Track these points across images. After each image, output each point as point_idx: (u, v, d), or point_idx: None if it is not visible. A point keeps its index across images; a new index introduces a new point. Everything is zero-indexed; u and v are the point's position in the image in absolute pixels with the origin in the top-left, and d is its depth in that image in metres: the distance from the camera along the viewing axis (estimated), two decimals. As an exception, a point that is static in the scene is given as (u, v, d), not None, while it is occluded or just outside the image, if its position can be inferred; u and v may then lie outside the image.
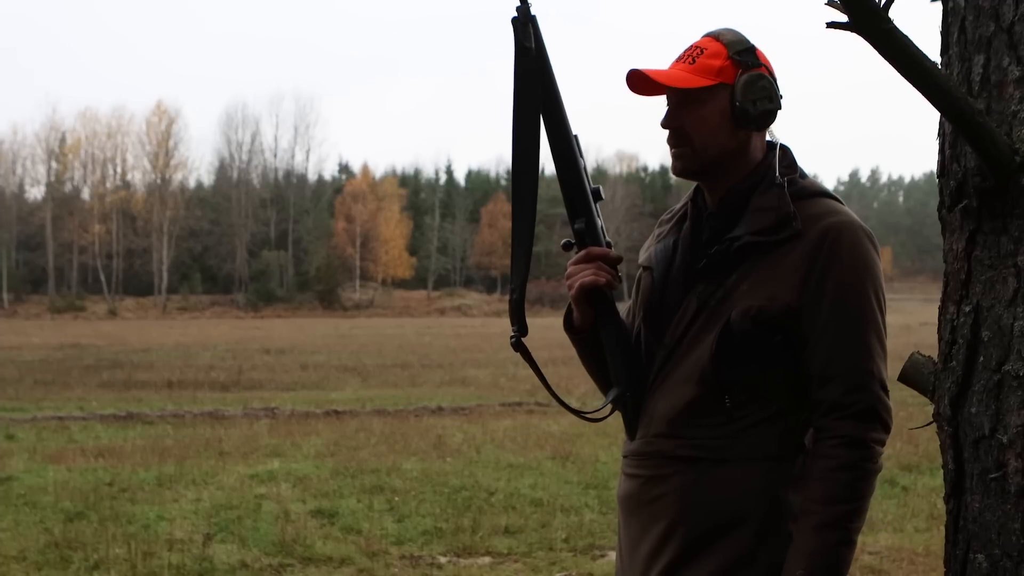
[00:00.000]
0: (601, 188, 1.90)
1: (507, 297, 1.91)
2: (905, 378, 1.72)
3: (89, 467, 8.42)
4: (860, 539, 1.78)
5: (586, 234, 1.88)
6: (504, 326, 2.00)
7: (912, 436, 8.82)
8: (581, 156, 1.87)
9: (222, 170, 75.49)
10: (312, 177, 78.13)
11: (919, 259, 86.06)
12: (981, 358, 1.52)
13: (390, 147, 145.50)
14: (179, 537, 6.03)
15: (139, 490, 7.45)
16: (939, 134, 1.62)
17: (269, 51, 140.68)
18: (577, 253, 1.90)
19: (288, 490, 7.46)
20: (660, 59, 1.91)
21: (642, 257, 2.01)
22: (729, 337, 1.79)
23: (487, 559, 5.78)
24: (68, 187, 72.57)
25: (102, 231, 69.15)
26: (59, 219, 67.78)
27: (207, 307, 65.09)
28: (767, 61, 1.85)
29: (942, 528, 1.65)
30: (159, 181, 71.38)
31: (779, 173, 1.84)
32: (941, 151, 1.62)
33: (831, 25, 1.38)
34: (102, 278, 67.62)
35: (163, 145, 71.78)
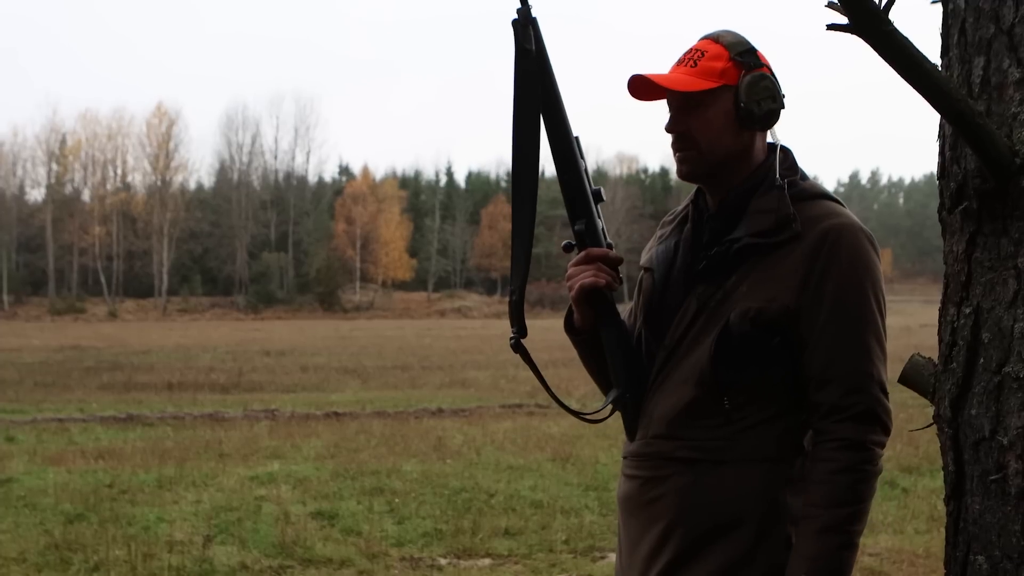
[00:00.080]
0: (602, 189, 1.90)
1: (507, 299, 1.92)
2: (905, 380, 1.72)
3: (89, 469, 8.42)
4: (860, 541, 1.77)
5: (586, 235, 1.88)
6: (504, 328, 2.00)
7: (912, 438, 8.82)
8: (582, 157, 1.87)
9: (222, 172, 75.59)
10: (312, 179, 78.30)
11: (919, 261, 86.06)
12: (981, 360, 1.52)
13: (390, 149, 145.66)
14: (179, 539, 6.03)
15: (139, 492, 7.45)
16: (939, 136, 1.62)
17: (269, 52, 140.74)
18: (578, 255, 1.90)
19: (288, 492, 7.45)
20: (660, 60, 1.92)
21: (644, 258, 2.01)
22: (728, 339, 1.79)
23: (487, 561, 5.78)
24: (68, 189, 72.63)
25: (102, 233, 69.17)
26: (59, 221, 67.81)
27: (207, 309, 65.09)
28: (767, 61, 1.85)
29: (942, 530, 1.65)
30: (159, 183, 71.43)
31: (779, 175, 1.84)
32: (941, 153, 1.62)
33: (831, 27, 1.38)
34: (102, 280, 67.64)
35: (163, 147, 71.85)
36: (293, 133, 79.94)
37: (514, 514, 6.76)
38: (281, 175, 76.73)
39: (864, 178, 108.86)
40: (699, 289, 1.85)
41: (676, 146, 1.87)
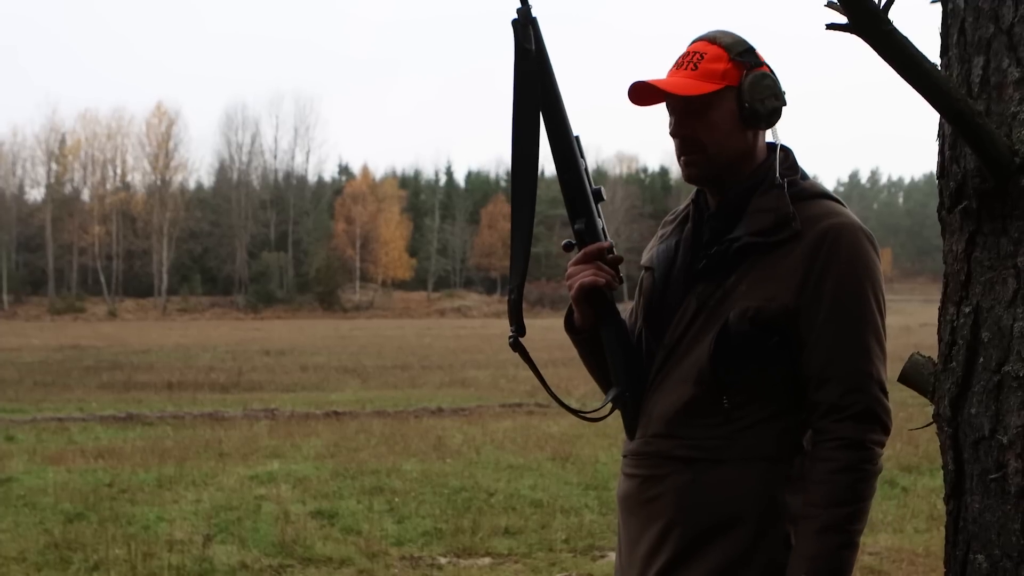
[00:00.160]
0: (602, 189, 1.90)
1: (507, 298, 1.92)
2: (905, 379, 1.72)
3: (89, 468, 8.42)
4: (860, 540, 1.77)
5: (586, 235, 1.88)
6: (504, 327, 2.01)
7: (912, 437, 8.82)
8: (582, 157, 1.87)
9: (222, 171, 75.56)
10: (312, 178, 78.28)
11: (919, 260, 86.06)
12: (981, 359, 1.52)
13: (390, 148, 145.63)
14: (179, 538, 6.03)
15: (139, 491, 7.45)
16: (939, 135, 1.62)
17: (269, 52, 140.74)
18: (577, 254, 1.90)
19: (288, 491, 7.46)
20: (661, 59, 1.92)
21: (644, 258, 2.01)
22: (727, 338, 1.79)
23: (487, 560, 5.78)
24: (68, 188, 72.61)
25: (102, 232, 69.16)
26: (59, 220, 67.79)
27: (207, 308, 65.08)
28: (764, 59, 1.85)
29: (942, 529, 1.65)
30: (159, 182, 71.42)
31: (779, 174, 1.84)
32: (941, 152, 1.62)
33: (831, 27, 1.38)
34: (102, 279, 67.63)
35: (163, 146, 71.83)
36: (293, 133, 79.96)
37: (514, 513, 6.76)
38: (281, 175, 76.78)
39: (864, 177, 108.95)
40: (699, 288, 1.85)
41: (682, 150, 1.86)
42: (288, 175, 76.73)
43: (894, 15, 1.35)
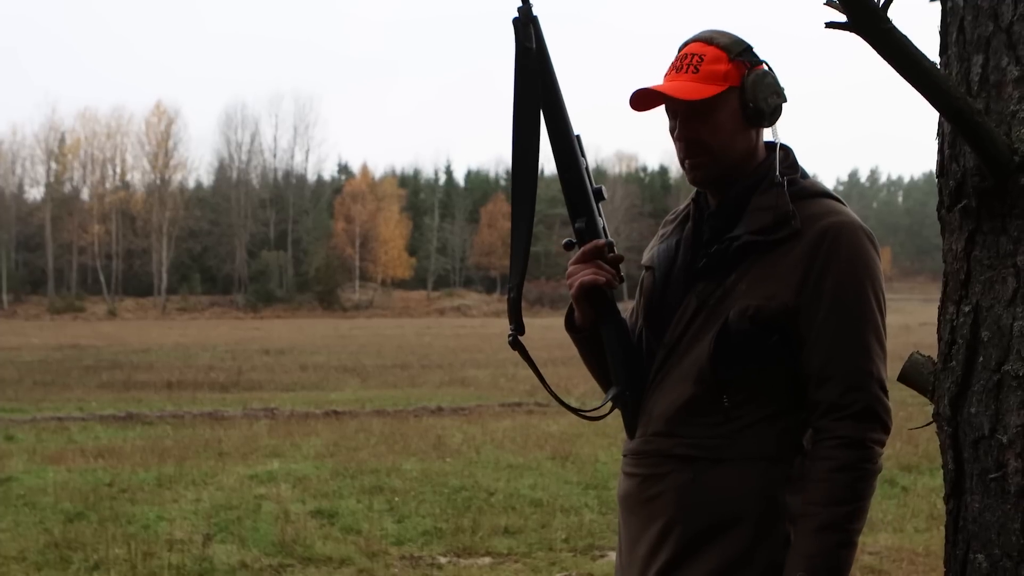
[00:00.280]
0: (603, 188, 1.90)
1: (506, 297, 1.92)
2: (905, 378, 1.72)
3: (89, 468, 8.42)
4: (860, 539, 1.77)
5: (587, 234, 1.88)
6: (503, 326, 2.01)
7: (912, 436, 8.82)
8: (583, 156, 1.87)
9: (221, 170, 75.52)
10: (311, 177, 78.23)
11: (918, 259, 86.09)
12: (980, 358, 1.52)
13: (389, 147, 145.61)
14: (179, 537, 6.03)
15: (139, 491, 7.45)
16: (938, 134, 1.62)
17: (269, 51, 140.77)
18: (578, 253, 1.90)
19: (288, 490, 7.45)
20: (661, 60, 1.91)
21: (645, 257, 2.02)
22: (727, 336, 1.79)
23: (487, 559, 5.78)
24: (67, 187, 72.58)
25: (101, 231, 69.14)
26: (58, 219, 67.77)
27: (206, 308, 65.07)
28: (762, 58, 1.86)
29: (942, 528, 1.65)
30: (158, 181, 71.39)
31: (779, 173, 1.84)
32: (940, 151, 1.62)
33: (830, 25, 1.38)
34: (101, 279, 67.62)
35: (162, 145, 71.81)
36: (292, 132, 79.95)
37: (514, 512, 6.76)
38: (280, 174, 76.72)
39: (863, 176, 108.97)
40: (699, 287, 1.85)
41: (687, 153, 1.85)
42: (288, 174, 76.75)
43: (893, 13, 1.35)
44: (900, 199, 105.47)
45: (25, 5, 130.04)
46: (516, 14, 1.78)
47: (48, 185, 71.06)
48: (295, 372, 19.88)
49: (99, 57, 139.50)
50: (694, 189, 1.97)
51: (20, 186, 71.46)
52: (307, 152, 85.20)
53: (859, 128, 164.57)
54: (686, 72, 1.82)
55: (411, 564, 5.64)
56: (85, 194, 72.51)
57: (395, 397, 14.84)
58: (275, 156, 76.58)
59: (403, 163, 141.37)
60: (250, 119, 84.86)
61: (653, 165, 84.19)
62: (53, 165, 71.51)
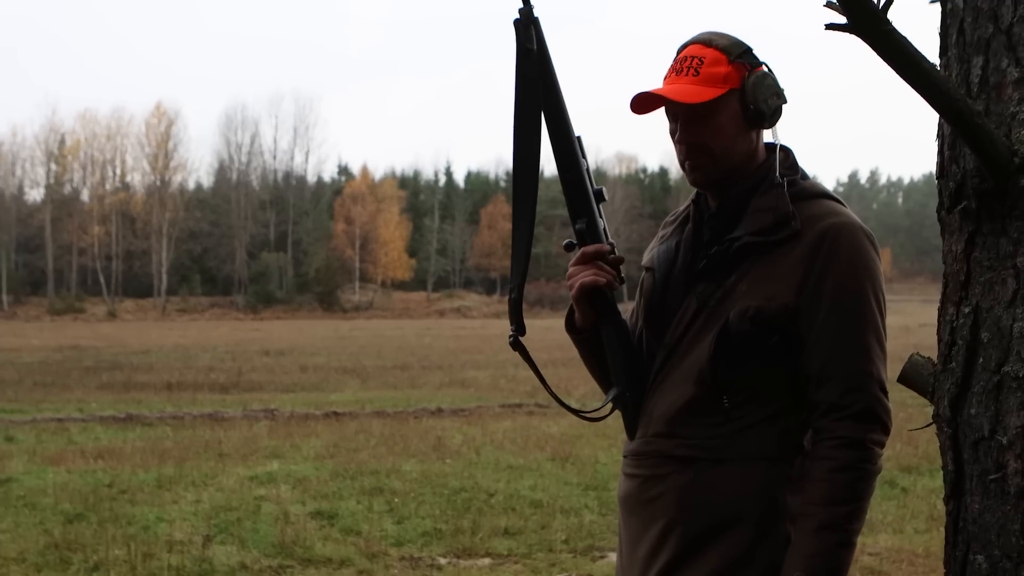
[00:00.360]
0: (604, 189, 1.90)
1: (507, 298, 1.92)
2: (905, 379, 1.72)
3: (89, 469, 8.42)
4: (860, 540, 1.77)
5: (588, 235, 1.88)
6: (503, 327, 2.01)
7: (912, 437, 8.82)
8: (584, 157, 1.87)
9: (221, 172, 75.57)
10: (311, 179, 78.30)
11: (918, 260, 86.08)
12: (980, 359, 1.52)
13: (389, 149, 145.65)
14: (179, 539, 6.03)
15: (139, 492, 7.45)
16: (938, 135, 1.62)
17: (269, 52, 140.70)
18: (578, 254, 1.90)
19: (288, 492, 7.45)
20: (662, 60, 1.91)
21: (645, 258, 2.02)
22: (727, 337, 1.79)
23: (487, 560, 5.78)
24: (67, 189, 72.60)
25: (101, 233, 69.15)
26: (58, 221, 67.78)
27: (206, 309, 65.08)
28: (761, 59, 1.86)
29: (942, 529, 1.65)
30: (158, 183, 71.40)
31: (779, 174, 1.84)
32: (940, 152, 1.62)
33: (830, 27, 1.38)
34: (101, 280, 67.62)
35: (162, 147, 71.83)
36: (292, 133, 80.00)
37: (514, 514, 6.76)
38: (280, 175, 76.77)
39: (863, 178, 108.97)
40: (699, 288, 1.85)
41: (687, 155, 1.85)
42: (287, 175, 76.78)
43: (893, 15, 1.35)
44: (900, 200, 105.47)
45: (25, 5, 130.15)
46: (517, 15, 1.78)
47: (48, 186, 71.10)
48: (295, 373, 19.88)
49: (99, 57, 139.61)
50: (694, 190, 1.97)
51: (20, 187, 71.54)
52: (307, 153, 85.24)
53: (859, 129, 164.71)
54: (686, 75, 1.81)
55: (411, 565, 5.64)
56: (85, 195, 72.61)
57: (395, 398, 14.84)
58: (275, 157, 76.73)
59: (403, 164, 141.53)
60: (250, 120, 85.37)
61: (653, 166, 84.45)
62: (53, 166, 71.57)
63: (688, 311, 1.85)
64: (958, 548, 1.58)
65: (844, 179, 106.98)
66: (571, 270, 1.90)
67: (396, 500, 7.19)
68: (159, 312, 63.24)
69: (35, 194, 72.34)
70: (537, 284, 57.81)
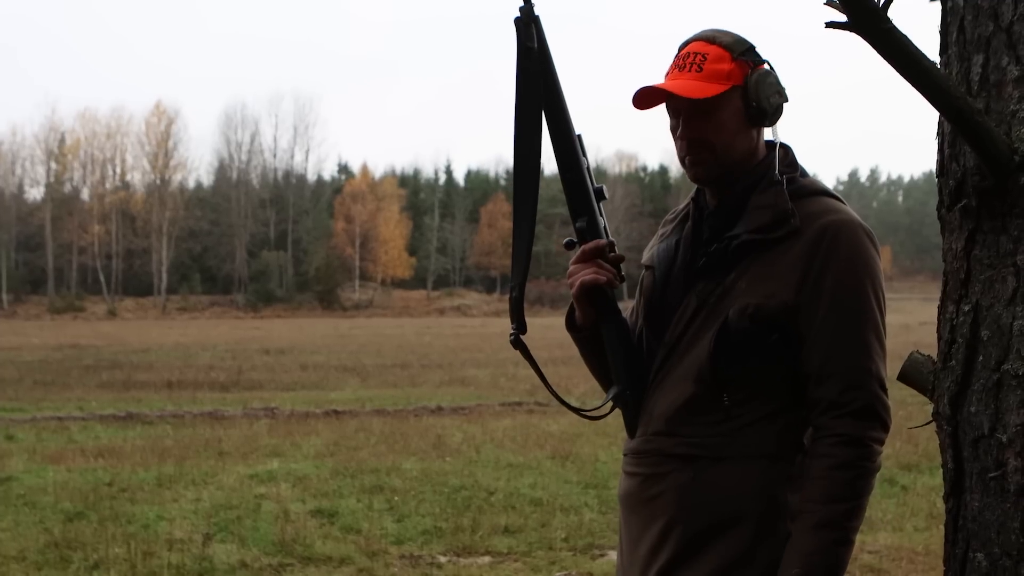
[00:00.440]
0: (604, 188, 1.90)
1: (507, 297, 1.92)
2: (904, 377, 1.72)
3: (89, 467, 8.42)
4: (859, 538, 1.78)
5: (588, 233, 1.88)
6: (504, 326, 2.01)
7: (911, 435, 8.82)
8: (584, 156, 1.87)
9: (221, 170, 75.54)
10: (311, 177, 78.26)
11: (918, 258, 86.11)
12: (980, 357, 1.53)
13: (389, 147, 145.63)
14: (179, 537, 6.04)
15: (139, 490, 7.45)
16: (938, 133, 1.62)
17: (269, 51, 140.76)
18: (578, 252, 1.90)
19: (288, 490, 7.46)
20: (662, 60, 1.91)
21: (645, 257, 2.02)
22: (727, 335, 1.79)
23: (487, 558, 5.78)
24: (67, 188, 72.59)
25: (101, 232, 69.14)
26: (58, 220, 67.77)
27: (206, 307, 65.07)
28: (763, 57, 1.86)
29: (941, 527, 1.65)
30: (158, 181, 71.39)
31: (779, 171, 1.84)
32: (940, 150, 1.62)
33: (830, 25, 1.38)
34: (101, 279, 67.60)
35: (162, 146, 71.82)
36: (292, 132, 79.95)
37: (514, 512, 6.76)
38: (280, 174, 76.73)
39: (863, 176, 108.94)
40: (699, 286, 1.85)
41: (688, 150, 1.85)
42: (288, 174, 76.75)
43: (893, 13, 1.35)
44: (900, 198, 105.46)
45: (25, 5, 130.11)
46: (518, 14, 1.78)
47: (48, 185, 71.09)
48: (295, 372, 19.88)
49: (99, 57, 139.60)
50: (694, 188, 1.97)
51: (20, 186, 71.53)
52: (307, 152, 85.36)
53: (859, 128, 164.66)
54: (689, 71, 1.81)
55: (411, 563, 5.64)
56: (85, 194, 72.60)
57: (395, 396, 14.84)
58: (275, 156, 76.69)
59: (403, 163, 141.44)
60: (250, 119, 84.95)
61: (653, 165, 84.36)
62: (53, 165, 71.56)
63: (688, 309, 1.85)
64: (958, 546, 1.58)
65: (844, 177, 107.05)
66: (571, 268, 1.90)
67: (396, 498, 7.19)
68: (159, 311, 63.24)
69: (35, 193, 72.46)
70: (537, 282, 57.79)
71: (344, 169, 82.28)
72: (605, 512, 6.73)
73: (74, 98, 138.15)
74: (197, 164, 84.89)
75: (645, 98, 1.83)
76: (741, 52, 1.82)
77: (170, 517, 6.59)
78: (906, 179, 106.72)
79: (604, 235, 1.90)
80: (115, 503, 6.98)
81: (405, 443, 9.83)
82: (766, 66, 1.84)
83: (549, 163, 1.88)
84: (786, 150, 1.89)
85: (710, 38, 1.84)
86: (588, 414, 2.01)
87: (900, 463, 8.20)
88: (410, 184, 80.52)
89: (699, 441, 1.82)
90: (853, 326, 1.77)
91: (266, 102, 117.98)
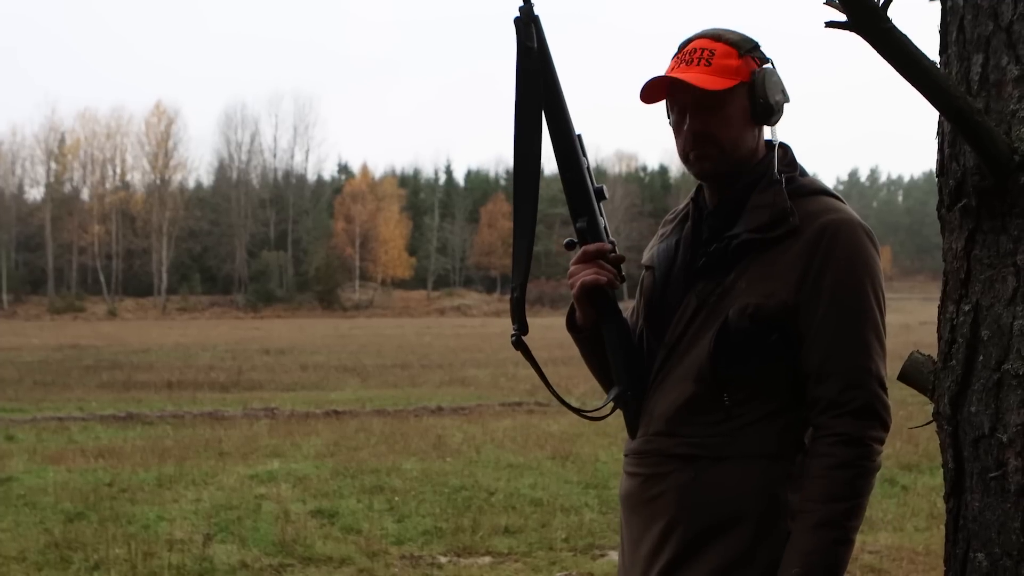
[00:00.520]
0: (604, 187, 1.90)
1: (507, 297, 1.92)
2: (905, 377, 1.72)
3: (89, 468, 8.42)
4: (860, 538, 1.78)
5: (588, 234, 1.88)
6: (504, 326, 2.01)
7: (912, 435, 8.82)
8: (584, 156, 1.87)
9: (221, 170, 75.56)
10: (311, 177, 78.30)
11: (918, 258, 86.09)
12: (981, 357, 1.52)
13: (389, 147, 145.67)
14: (179, 537, 6.04)
15: (139, 490, 7.45)
16: (938, 133, 1.62)
17: (268, 51, 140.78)
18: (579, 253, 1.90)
19: (288, 490, 7.46)
20: (662, 59, 1.91)
21: (645, 257, 2.02)
22: (727, 335, 1.79)
23: (487, 559, 5.78)
24: (67, 188, 72.60)
25: (101, 232, 69.15)
26: (58, 220, 67.78)
27: (206, 307, 65.07)
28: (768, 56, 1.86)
29: (942, 527, 1.65)
30: (158, 182, 71.42)
31: (778, 171, 1.84)
32: (940, 150, 1.62)
33: (830, 24, 1.38)
34: (101, 279, 67.61)
35: (162, 146, 71.85)
36: (292, 132, 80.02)
37: (514, 512, 6.76)
38: (280, 174, 76.75)
39: (863, 176, 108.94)
40: (699, 286, 1.85)
41: (694, 145, 1.85)
42: (287, 174, 76.78)
43: (893, 13, 1.35)
44: (900, 198, 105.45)
45: (25, 5, 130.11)
46: (518, 14, 1.78)
47: (48, 185, 71.10)
48: (295, 372, 19.88)
49: (99, 57, 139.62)
50: (694, 188, 1.97)
51: (20, 186, 71.55)
52: (307, 152, 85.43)
53: (859, 128, 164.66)
54: (698, 64, 1.81)
55: (411, 564, 5.64)
56: (85, 194, 72.62)
57: (395, 397, 14.84)
58: (275, 156, 76.74)
59: (403, 163, 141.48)
60: (250, 119, 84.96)
61: (653, 164, 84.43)
62: (53, 165, 71.58)
63: (688, 309, 1.85)
64: (958, 546, 1.58)
65: (844, 177, 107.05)
66: (572, 269, 1.90)
67: (396, 499, 7.19)
68: (159, 311, 63.24)
69: (35, 193, 72.48)
70: (538, 282, 57.79)
71: (344, 169, 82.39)
72: (605, 512, 6.73)
73: (74, 98, 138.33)
74: (197, 164, 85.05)
75: (652, 92, 1.83)
76: (748, 49, 1.83)
77: (170, 517, 6.59)
78: (906, 179, 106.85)
79: (604, 235, 1.89)
80: (115, 503, 6.98)
81: (405, 443, 9.83)
82: (770, 65, 1.84)
83: (549, 163, 1.88)
84: (785, 150, 1.89)
85: (716, 36, 1.84)
86: (589, 415, 2.00)
87: (900, 463, 8.20)
88: (410, 184, 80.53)
89: (700, 441, 1.82)
90: (853, 325, 1.77)
91: (266, 102, 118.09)
